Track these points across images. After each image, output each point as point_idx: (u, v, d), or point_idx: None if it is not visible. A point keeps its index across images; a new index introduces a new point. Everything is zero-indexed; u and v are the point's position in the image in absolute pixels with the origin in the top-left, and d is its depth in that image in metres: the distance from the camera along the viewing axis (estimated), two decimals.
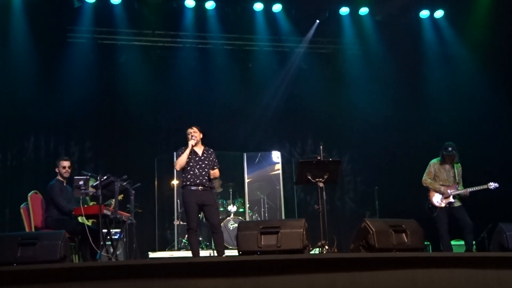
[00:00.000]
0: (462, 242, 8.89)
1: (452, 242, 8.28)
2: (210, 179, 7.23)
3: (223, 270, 5.16)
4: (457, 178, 8.06)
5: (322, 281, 5.19)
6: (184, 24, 11.16)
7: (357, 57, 11.98)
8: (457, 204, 7.94)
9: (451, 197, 7.90)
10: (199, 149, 7.36)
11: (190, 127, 7.40)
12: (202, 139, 7.43)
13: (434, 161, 8.18)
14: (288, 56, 12.03)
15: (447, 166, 8.10)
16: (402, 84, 11.70)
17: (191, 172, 7.19)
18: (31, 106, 10.54)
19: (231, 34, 11.59)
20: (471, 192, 7.93)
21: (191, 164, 7.22)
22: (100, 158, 11.25)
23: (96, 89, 11.05)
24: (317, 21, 11.40)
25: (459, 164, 8.14)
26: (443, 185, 8.00)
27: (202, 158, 7.30)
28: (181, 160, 7.21)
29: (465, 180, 8.08)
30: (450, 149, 7.99)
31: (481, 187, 7.90)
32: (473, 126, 10.91)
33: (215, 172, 7.30)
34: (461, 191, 7.92)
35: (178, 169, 7.34)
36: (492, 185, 7.87)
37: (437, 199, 7.97)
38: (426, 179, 8.12)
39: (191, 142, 7.24)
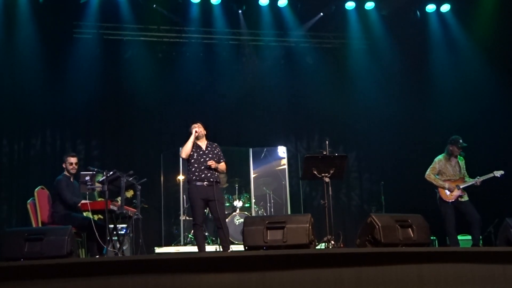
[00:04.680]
0: (469, 237, 8.89)
1: (459, 237, 8.27)
2: (214, 172, 7.23)
3: (229, 265, 5.17)
4: (462, 171, 8.07)
5: (328, 276, 5.19)
6: (189, 19, 11.16)
7: (362, 52, 11.95)
8: (465, 198, 7.94)
9: (461, 190, 7.90)
10: (203, 144, 7.38)
11: (194, 122, 7.46)
12: (206, 135, 7.46)
13: (440, 157, 8.18)
14: (294, 51, 12.01)
15: (453, 161, 8.10)
16: (407, 79, 11.67)
17: (195, 166, 7.22)
18: (37, 102, 10.57)
19: (237, 29, 11.57)
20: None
21: (195, 158, 7.24)
22: (106, 153, 11.27)
23: (102, 84, 11.08)
24: (321, 13, 11.37)
25: (462, 158, 8.17)
26: (450, 180, 8.00)
27: (206, 152, 7.32)
28: (186, 148, 7.24)
29: (473, 176, 8.08)
30: (461, 141, 8.02)
31: (488, 176, 7.93)
32: (480, 122, 10.88)
33: (221, 165, 7.33)
34: (473, 181, 7.93)
35: (183, 156, 7.34)
36: (498, 173, 7.93)
37: (446, 193, 7.96)
38: (430, 174, 8.11)
39: (193, 130, 7.29)
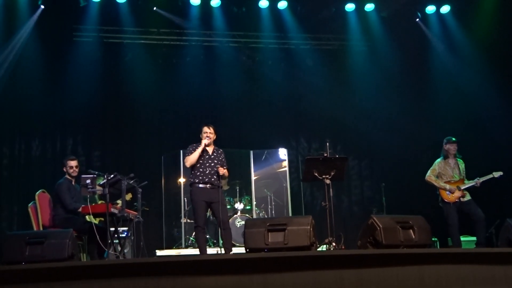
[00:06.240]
0: (471, 238, 8.89)
1: (461, 238, 8.26)
2: (218, 177, 7.24)
3: (230, 267, 5.17)
4: (462, 173, 8.08)
5: (330, 278, 5.19)
6: (189, 21, 11.17)
7: (362, 54, 11.95)
8: (467, 198, 7.95)
9: (462, 191, 7.90)
10: (210, 148, 7.39)
11: (207, 125, 7.41)
12: (214, 140, 7.45)
13: (439, 160, 8.22)
14: (294, 53, 12.02)
15: (452, 163, 8.13)
16: (408, 80, 11.68)
17: (200, 170, 7.23)
18: (37, 105, 10.57)
19: (237, 31, 11.58)
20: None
21: (200, 162, 7.25)
22: (106, 156, 11.27)
23: (102, 87, 11.08)
24: (321, 15, 11.39)
25: (461, 161, 8.18)
26: (449, 182, 8.00)
27: (212, 157, 7.34)
28: (192, 158, 7.24)
29: (473, 177, 8.07)
30: (454, 139, 8.11)
31: (487, 177, 7.95)
32: (479, 123, 10.89)
33: (225, 172, 7.32)
34: (473, 183, 7.94)
35: (188, 166, 7.36)
36: (497, 174, 7.95)
37: (447, 194, 7.96)
38: (430, 176, 8.14)
39: (204, 141, 7.26)
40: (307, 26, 11.57)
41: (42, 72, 10.55)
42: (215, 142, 7.54)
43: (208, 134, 7.32)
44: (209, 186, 7.18)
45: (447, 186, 7.97)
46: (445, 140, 8.21)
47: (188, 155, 7.31)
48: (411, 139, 11.56)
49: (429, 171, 8.18)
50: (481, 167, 8.36)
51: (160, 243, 10.56)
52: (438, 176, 8.11)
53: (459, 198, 7.92)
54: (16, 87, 10.49)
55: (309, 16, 11.46)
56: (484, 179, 7.95)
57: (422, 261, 5.36)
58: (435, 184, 8.06)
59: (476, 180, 7.96)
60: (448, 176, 8.06)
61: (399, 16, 11.40)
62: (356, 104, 11.93)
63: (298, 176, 11.44)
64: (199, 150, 7.23)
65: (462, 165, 8.16)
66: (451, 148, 8.14)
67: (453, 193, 7.94)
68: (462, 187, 7.94)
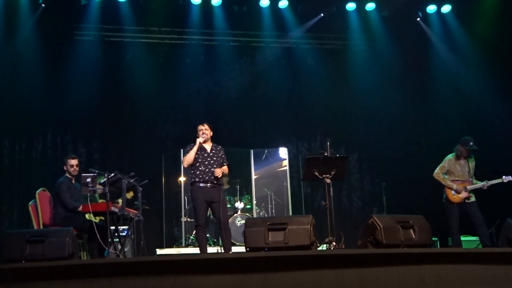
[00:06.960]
0: (471, 238, 8.88)
1: (461, 238, 8.25)
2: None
3: (230, 266, 5.16)
4: (471, 172, 8.03)
5: (330, 277, 5.18)
6: (190, 21, 11.17)
7: (363, 53, 11.95)
8: (472, 199, 7.91)
9: (468, 192, 7.86)
10: (208, 146, 7.38)
11: (202, 123, 7.40)
12: (211, 136, 7.44)
13: (450, 156, 8.13)
14: (295, 52, 12.02)
15: (462, 161, 8.06)
16: (408, 80, 11.67)
17: (200, 169, 7.21)
18: (38, 104, 10.55)
19: (238, 30, 11.58)
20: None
21: (199, 160, 7.24)
22: (107, 155, 11.26)
23: (103, 86, 11.06)
24: (321, 14, 11.38)
25: (472, 158, 8.12)
26: (458, 180, 7.96)
27: (211, 154, 7.32)
28: (188, 157, 7.23)
29: (477, 176, 8.07)
30: (471, 143, 7.98)
31: (496, 181, 7.91)
32: (480, 123, 10.86)
33: (225, 169, 7.31)
34: (481, 184, 7.90)
35: (185, 166, 7.36)
36: (506, 178, 7.88)
37: (454, 193, 7.92)
38: (439, 173, 8.07)
39: (199, 139, 7.25)
40: (308, 26, 11.56)
41: (43, 71, 10.53)
42: (214, 140, 7.54)
43: (203, 131, 7.30)
44: (209, 185, 7.17)
45: (454, 186, 7.92)
46: (462, 141, 8.06)
47: (185, 155, 7.32)
48: (412, 138, 11.56)
49: (438, 168, 8.11)
50: (481, 168, 8.34)
51: (161, 242, 10.57)
52: (446, 173, 8.06)
53: (464, 199, 7.89)
54: (16, 86, 10.47)
55: (310, 15, 11.44)
56: (492, 183, 7.90)
57: (422, 260, 5.36)
58: (442, 182, 8.00)
59: (484, 182, 7.89)
60: (457, 175, 8.02)
61: (400, 16, 11.38)
62: (357, 103, 11.91)
63: (299, 176, 11.43)
64: (194, 149, 7.22)
65: (472, 163, 8.08)
66: (464, 152, 8.06)
67: (459, 193, 7.89)
68: (469, 188, 7.89)
